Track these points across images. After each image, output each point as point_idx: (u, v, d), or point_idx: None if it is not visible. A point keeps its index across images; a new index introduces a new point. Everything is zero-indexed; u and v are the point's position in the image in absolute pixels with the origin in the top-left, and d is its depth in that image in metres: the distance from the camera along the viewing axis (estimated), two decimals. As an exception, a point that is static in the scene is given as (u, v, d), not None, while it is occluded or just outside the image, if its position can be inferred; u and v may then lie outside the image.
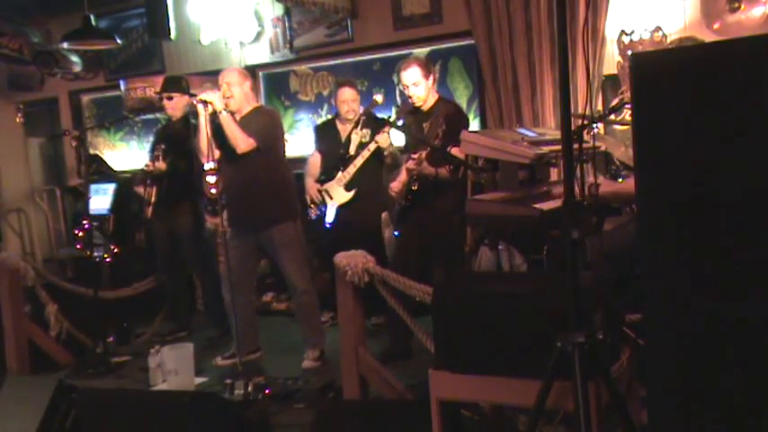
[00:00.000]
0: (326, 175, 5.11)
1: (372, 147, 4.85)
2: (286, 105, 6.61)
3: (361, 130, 4.97)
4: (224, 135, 4.26)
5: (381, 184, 5.20)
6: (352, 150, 5.01)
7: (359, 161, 4.93)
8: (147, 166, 5.31)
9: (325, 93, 6.37)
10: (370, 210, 5.17)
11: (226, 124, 4.23)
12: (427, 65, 4.37)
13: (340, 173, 5.01)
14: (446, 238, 4.32)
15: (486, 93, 5.31)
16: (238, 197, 4.41)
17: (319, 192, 5.06)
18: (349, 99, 5.15)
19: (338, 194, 5.03)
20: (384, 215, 5.34)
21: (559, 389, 2.09)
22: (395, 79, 5.95)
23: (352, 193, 5.00)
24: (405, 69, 4.34)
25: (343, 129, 5.19)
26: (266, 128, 4.41)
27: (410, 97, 4.39)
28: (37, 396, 3.30)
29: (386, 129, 4.79)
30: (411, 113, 4.49)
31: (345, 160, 5.01)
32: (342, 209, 5.04)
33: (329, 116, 5.94)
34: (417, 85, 4.30)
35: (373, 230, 5.22)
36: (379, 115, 4.82)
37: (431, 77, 4.34)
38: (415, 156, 4.12)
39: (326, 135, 5.32)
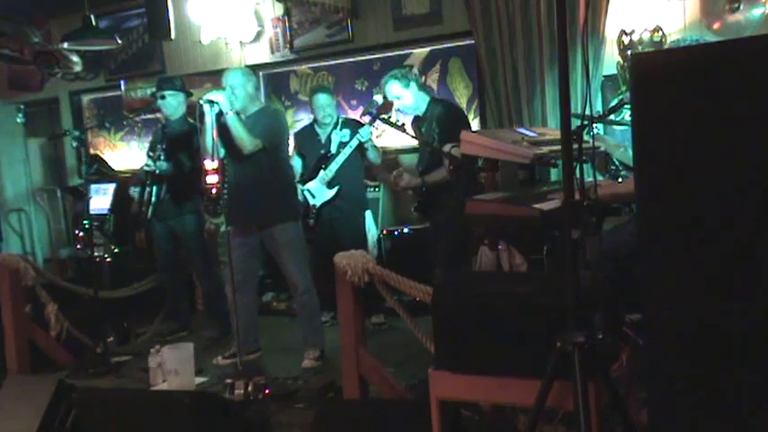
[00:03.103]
0: (308, 175, 5.20)
1: (354, 143, 4.99)
2: (286, 105, 6.60)
3: (341, 130, 5.15)
4: (230, 135, 4.26)
5: (363, 183, 5.40)
6: (333, 149, 5.13)
7: (341, 158, 5.05)
8: (147, 166, 5.29)
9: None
10: (353, 207, 5.26)
11: (232, 125, 4.23)
12: (405, 75, 4.52)
13: (322, 171, 5.11)
14: (451, 238, 4.37)
15: (486, 93, 5.31)
16: (243, 196, 4.41)
17: (302, 192, 5.12)
18: (325, 104, 5.21)
19: (320, 193, 5.12)
20: (367, 213, 5.44)
21: (559, 389, 2.09)
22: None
23: (334, 191, 5.11)
24: (386, 86, 4.53)
25: (322, 132, 5.28)
26: (272, 128, 4.43)
27: (398, 110, 4.64)
28: (37, 396, 3.30)
29: (364, 124, 5.02)
30: (414, 121, 4.63)
31: (327, 159, 5.11)
32: (325, 207, 5.13)
33: (306, 122, 5.92)
34: (401, 98, 4.45)
35: (356, 228, 5.28)
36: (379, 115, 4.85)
37: (411, 83, 4.42)
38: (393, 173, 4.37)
39: (306, 139, 5.39)
